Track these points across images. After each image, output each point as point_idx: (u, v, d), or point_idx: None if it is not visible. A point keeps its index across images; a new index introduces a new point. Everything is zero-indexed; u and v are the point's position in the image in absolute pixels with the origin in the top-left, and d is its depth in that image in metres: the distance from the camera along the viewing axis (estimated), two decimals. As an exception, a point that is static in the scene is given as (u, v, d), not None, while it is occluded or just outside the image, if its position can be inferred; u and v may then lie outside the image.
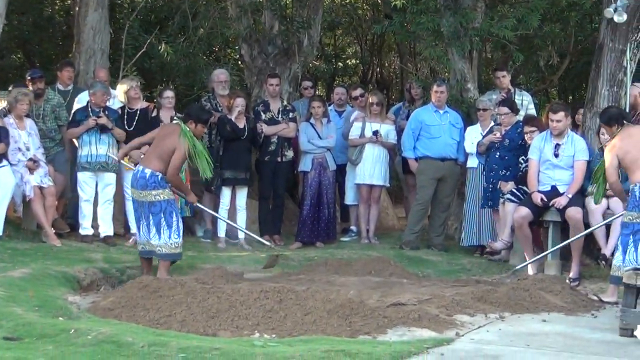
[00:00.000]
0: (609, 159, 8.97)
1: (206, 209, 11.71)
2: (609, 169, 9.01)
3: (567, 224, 10.30)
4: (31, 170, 11.29)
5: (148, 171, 9.66)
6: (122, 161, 11.15)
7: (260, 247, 12.10)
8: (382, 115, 12.93)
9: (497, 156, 11.55)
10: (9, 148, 11.14)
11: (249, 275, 10.15)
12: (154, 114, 12.06)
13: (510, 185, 11.14)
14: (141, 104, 12.20)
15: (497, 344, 7.00)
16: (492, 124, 12.02)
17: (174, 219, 9.68)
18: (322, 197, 12.64)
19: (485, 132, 11.98)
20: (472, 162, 12.21)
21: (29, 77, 12.18)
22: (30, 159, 11.32)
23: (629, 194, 8.84)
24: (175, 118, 10.56)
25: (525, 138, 11.14)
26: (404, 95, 15.27)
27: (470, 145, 12.13)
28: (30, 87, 11.95)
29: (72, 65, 13.11)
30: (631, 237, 8.62)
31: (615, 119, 9.17)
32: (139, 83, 12.51)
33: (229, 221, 11.82)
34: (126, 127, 11.85)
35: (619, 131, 9.02)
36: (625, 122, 9.13)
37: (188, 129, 9.79)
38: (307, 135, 12.63)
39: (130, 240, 11.54)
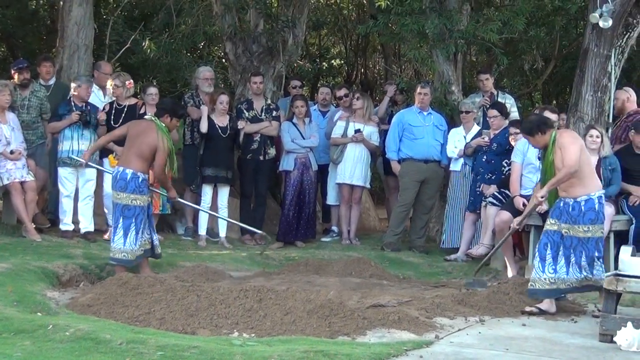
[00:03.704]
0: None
1: (189, 203, 11.77)
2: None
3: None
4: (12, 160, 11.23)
5: (129, 172, 9.54)
6: (104, 161, 11.18)
7: (241, 247, 12.13)
8: (366, 116, 12.88)
9: (483, 160, 11.52)
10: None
11: (232, 274, 10.13)
12: (142, 110, 11.97)
13: (492, 189, 11.12)
14: (129, 101, 12.09)
15: (477, 348, 7.00)
16: (476, 126, 12.03)
17: (142, 226, 9.55)
18: (304, 196, 12.60)
19: (468, 134, 11.98)
20: (455, 166, 12.19)
21: (15, 68, 12.09)
22: (12, 151, 11.25)
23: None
24: (147, 114, 10.56)
25: (510, 140, 11.11)
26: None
27: (453, 149, 12.11)
28: (16, 78, 11.88)
29: (51, 60, 13.02)
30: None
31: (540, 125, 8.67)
32: (131, 80, 12.37)
33: (212, 212, 11.89)
34: (112, 123, 11.75)
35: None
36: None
37: (163, 124, 9.74)
38: (291, 135, 12.58)
39: (107, 234, 11.42)
